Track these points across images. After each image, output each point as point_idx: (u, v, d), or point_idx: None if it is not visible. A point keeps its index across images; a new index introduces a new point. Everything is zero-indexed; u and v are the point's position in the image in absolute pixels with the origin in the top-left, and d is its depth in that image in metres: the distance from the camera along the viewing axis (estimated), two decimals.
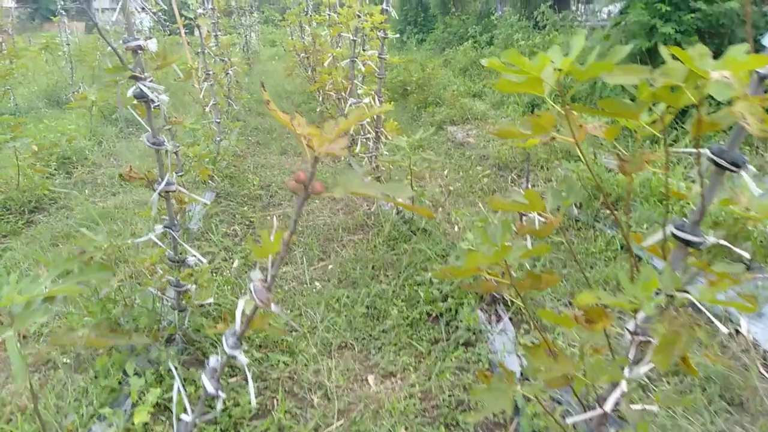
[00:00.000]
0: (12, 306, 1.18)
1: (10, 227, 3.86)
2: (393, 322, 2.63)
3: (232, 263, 3.30)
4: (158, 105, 1.71)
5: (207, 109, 4.61)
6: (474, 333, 2.47)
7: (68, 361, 2.34)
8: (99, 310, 2.23)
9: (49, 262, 3.18)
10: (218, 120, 4.61)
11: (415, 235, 3.42)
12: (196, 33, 4.68)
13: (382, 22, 3.91)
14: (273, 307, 1.06)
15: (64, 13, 8.76)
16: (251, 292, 1.07)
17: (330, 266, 3.38)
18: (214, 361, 1.18)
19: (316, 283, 3.18)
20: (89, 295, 2.39)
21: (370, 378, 2.33)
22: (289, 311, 2.83)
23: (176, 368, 2.14)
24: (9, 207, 4.11)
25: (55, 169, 4.90)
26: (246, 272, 3.23)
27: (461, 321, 2.53)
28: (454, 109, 7.27)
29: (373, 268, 3.20)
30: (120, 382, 2.08)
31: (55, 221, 3.99)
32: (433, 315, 2.67)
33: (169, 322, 2.30)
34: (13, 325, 1.14)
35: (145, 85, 1.61)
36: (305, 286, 3.13)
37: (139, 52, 1.67)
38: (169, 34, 9.95)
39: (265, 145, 6.26)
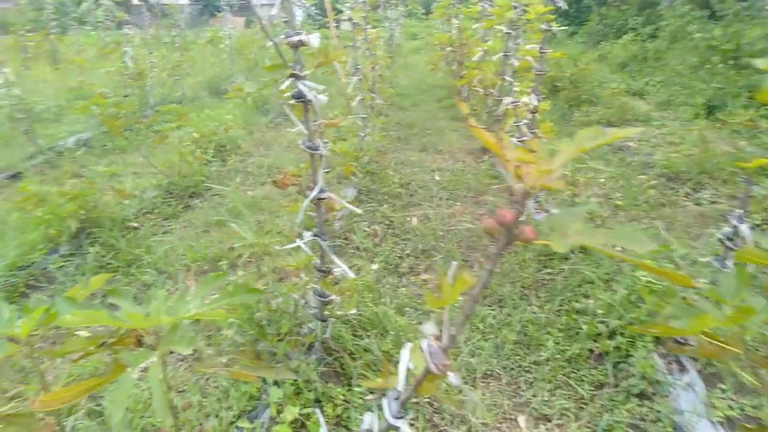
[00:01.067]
0: (158, 326, 1.09)
1: (171, 210, 4.11)
2: (548, 354, 2.30)
3: (372, 266, 3.18)
4: (315, 105, 1.57)
5: (353, 104, 4.56)
6: (650, 383, 2.07)
7: (212, 352, 2.35)
8: (244, 309, 2.19)
9: (196, 255, 3.30)
10: (364, 115, 4.54)
11: (573, 253, 3.03)
12: (343, 26, 4.65)
13: (544, 13, 3.53)
14: (451, 377, 0.84)
15: (227, 8, 9.39)
16: (424, 351, 0.85)
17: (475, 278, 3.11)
18: (369, 421, 0.98)
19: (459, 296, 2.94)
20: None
21: (521, 419, 2.04)
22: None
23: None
24: (171, 191, 4.40)
25: (212, 157, 5.19)
26: (385, 276, 3.08)
27: (633, 366, 2.13)
28: (611, 108, 6.58)
29: (522, 286, 2.88)
30: (259, 390, 2.02)
31: (209, 207, 4.18)
32: (597, 353, 2.30)
33: (310, 329, 2.20)
34: (158, 348, 1.04)
35: (304, 84, 1.48)
36: None
37: (299, 48, 1.54)
38: (318, 28, 10.29)
39: (406, 141, 6.13)
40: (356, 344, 2.37)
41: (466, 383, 2.22)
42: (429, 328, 0.87)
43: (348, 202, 1.90)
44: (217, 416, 1.92)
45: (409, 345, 0.94)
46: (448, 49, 7.24)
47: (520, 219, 0.74)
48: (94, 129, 6.06)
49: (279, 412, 1.91)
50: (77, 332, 2.09)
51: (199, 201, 4.35)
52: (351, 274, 1.82)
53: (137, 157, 5.27)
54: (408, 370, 0.92)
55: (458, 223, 3.82)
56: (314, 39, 1.47)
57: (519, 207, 0.73)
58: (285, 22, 1.77)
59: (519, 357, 2.35)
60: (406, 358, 0.92)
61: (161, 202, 4.18)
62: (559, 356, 2.29)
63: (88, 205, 3.48)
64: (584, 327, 2.37)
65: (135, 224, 3.76)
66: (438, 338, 0.86)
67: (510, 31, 4.26)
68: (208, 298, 1.20)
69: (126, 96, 7.11)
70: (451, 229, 3.74)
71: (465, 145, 5.81)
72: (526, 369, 2.29)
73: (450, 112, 7.33)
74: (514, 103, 3.60)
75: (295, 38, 1.46)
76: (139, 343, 1.20)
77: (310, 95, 1.49)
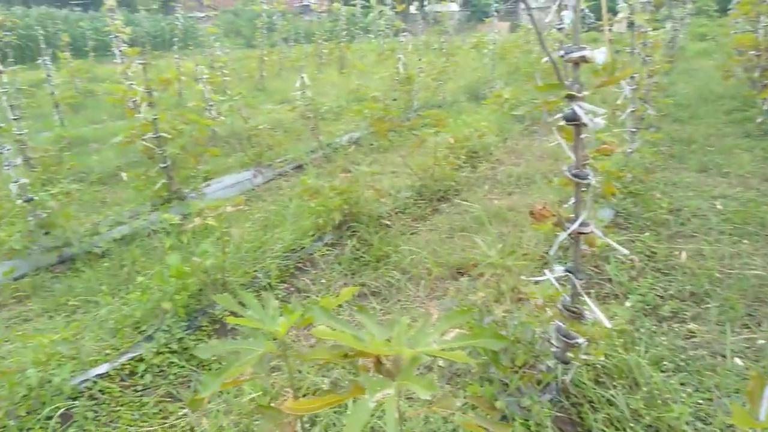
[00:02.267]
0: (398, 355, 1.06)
1: (420, 212, 4.28)
2: None
3: (625, 303, 2.79)
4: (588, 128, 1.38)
5: (622, 116, 4.10)
6: None
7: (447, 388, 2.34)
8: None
9: (438, 261, 3.34)
10: (633, 129, 4.05)
11: None
12: (616, 28, 4.19)
13: None
14: None
15: (496, 14, 9.45)
16: None
17: (761, 341, 2.50)
18: None
19: (737, 360, 2.39)
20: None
21: None
22: (693, 390, 2.18)
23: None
24: (422, 194, 4.59)
25: (464, 162, 5.26)
26: (640, 318, 2.68)
27: None
28: None
29: None
30: None
31: (455, 213, 4.23)
32: None
33: (548, 368, 2.01)
34: (396, 381, 1.01)
35: (580, 107, 1.31)
36: (720, 359, 2.38)
37: (579, 65, 1.36)
38: (586, 31, 9.64)
39: (680, 159, 5.31)
40: (599, 393, 2.10)
41: None
42: None
43: (604, 226, 1.67)
44: None
45: None
46: (751, 52, 6.03)
47: None
48: (364, 129, 6.71)
49: None
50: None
51: (447, 206, 4.44)
52: (606, 323, 1.58)
53: (396, 157, 5.66)
54: None
55: (744, 266, 3.13)
56: (599, 54, 1.28)
57: None
58: (558, 29, 1.61)
59: None
60: None
61: (412, 204, 4.39)
62: None
63: (351, 200, 3.83)
64: None
65: (388, 222, 4.01)
66: None
67: None
68: (450, 332, 1.13)
69: (394, 100, 7.72)
70: (732, 272, 3.08)
71: (761, 169, 4.77)
72: None
73: (742, 127, 6.12)
74: None
75: (577, 54, 1.30)
76: (379, 362, 1.20)
77: (585, 119, 1.31)
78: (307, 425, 2.13)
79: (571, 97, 1.32)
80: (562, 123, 1.42)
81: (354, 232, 3.77)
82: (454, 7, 19.63)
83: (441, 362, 2.38)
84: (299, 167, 5.65)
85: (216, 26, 11.30)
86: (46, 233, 3.49)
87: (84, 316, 2.97)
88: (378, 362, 1.16)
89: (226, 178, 5.07)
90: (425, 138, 4.76)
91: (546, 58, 1.33)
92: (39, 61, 7.34)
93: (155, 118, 4.02)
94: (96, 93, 10.25)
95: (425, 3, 13.49)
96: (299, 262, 3.40)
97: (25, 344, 2.56)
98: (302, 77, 6.08)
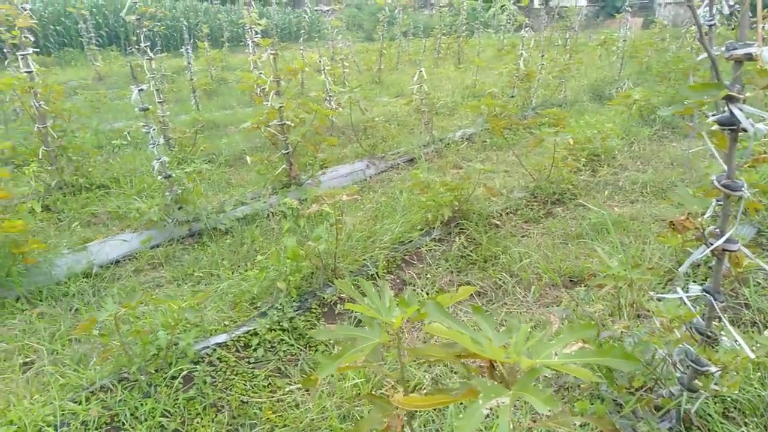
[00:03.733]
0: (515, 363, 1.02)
1: (533, 214, 4.12)
2: None
3: (764, 333, 2.49)
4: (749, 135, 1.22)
5: None
6: None
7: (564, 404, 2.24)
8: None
9: (550, 267, 3.19)
10: None
11: None
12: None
13: None
14: None
15: (629, 9, 8.82)
16: None
17: None
18: None
19: None
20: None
21: None
22: None
23: None
24: (536, 195, 4.41)
25: (583, 165, 4.99)
26: None
27: None
28: None
29: None
30: None
31: (571, 218, 4.02)
32: None
33: (670, 393, 1.85)
34: (512, 390, 0.97)
35: (740, 109, 1.17)
36: None
37: (743, 63, 1.21)
38: (732, 29, 8.67)
39: None
40: (726, 429, 1.89)
41: None
42: None
43: (744, 246, 1.47)
44: None
45: None
46: None
47: None
48: (479, 126, 6.59)
49: None
50: None
51: (562, 210, 4.23)
52: (750, 353, 1.40)
53: (510, 156, 5.50)
54: None
55: None
56: (767, 52, 1.13)
57: None
58: (710, 25, 1.45)
59: None
60: None
61: (525, 205, 4.24)
62: None
63: (461, 197, 3.78)
64: None
65: (497, 222, 3.91)
66: None
67: None
68: (571, 346, 1.07)
69: (512, 96, 7.50)
70: None
71: None
72: None
73: None
74: None
75: (741, 51, 1.15)
76: (492, 366, 1.16)
77: (746, 123, 1.16)
78: (405, 418, 2.14)
79: (730, 99, 1.18)
80: (715, 127, 1.28)
81: (462, 229, 3.71)
82: (582, 1, 18.66)
83: (548, 372, 2.28)
84: (411, 161, 5.68)
85: (339, 19, 11.66)
86: (180, 208, 3.81)
87: (207, 287, 3.21)
88: (492, 367, 1.12)
89: (341, 168, 5.22)
90: (543, 137, 4.57)
91: (703, 55, 1.20)
92: (182, 50, 8.01)
93: (281, 107, 4.23)
94: (227, 81, 11.02)
95: None
96: (406, 255, 3.42)
97: (157, 308, 2.82)
98: (420, 71, 6.10)
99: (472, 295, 3.00)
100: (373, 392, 2.20)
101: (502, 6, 13.45)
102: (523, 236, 3.76)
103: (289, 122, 4.43)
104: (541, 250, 3.47)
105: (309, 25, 12.05)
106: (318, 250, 2.94)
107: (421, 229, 3.70)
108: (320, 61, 6.43)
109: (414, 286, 3.12)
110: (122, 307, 2.17)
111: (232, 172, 5.52)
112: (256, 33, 6.44)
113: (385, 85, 10.65)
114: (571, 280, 3.12)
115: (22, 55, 4.28)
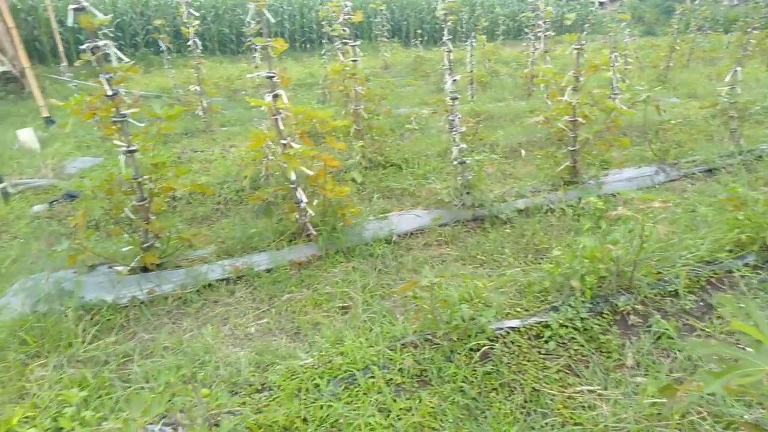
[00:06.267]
0: None
1: None
2: None
3: None
4: None
5: None
6: None
7: None
8: None
9: None
10: None
11: None
12: None
13: None
14: None
15: None
16: None
17: None
18: None
19: None
20: None
21: None
22: None
23: None
24: None
25: None
26: None
27: None
28: None
29: None
30: None
31: None
32: None
33: None
34: None
35: None
36: None
37: None
38: None
39: None
40: None
41: None
42: None
43: None
44: None
45: None
46: None
47: None
48: None
49: None
50: None
51: None
52: None
53: None
54: None
55: None
56: None
57: None
58: None
59: None
60: None
61: None
62: None
63: None
64: None
65: None
66: None
67: None
68: None
69: None
70: None
71: None
72: None
73: None
74: None
75: None
76: None
77: None
78: None
79: None
80: None
81: None
82: None
83: None
84: (709, 171, 5.03)
85: (623, 12, 10.84)
86: (467, 193, 4.04)
87: (490, 271, 3.37)
88: None
89: (625, 171, 4.90)
90: None
91: None
92: (458, 42, 8.40)
93: (577, 103, 4.14)
94: (499, 73, 11.22)
95: None
96: (712, 276, 3.06)
97: (449, 282, 3.06)
98: (735, 71, 5.32)
99: None
100: (683, 419, 2.04)
101: None
102: None
103: (581, 119, 4.31)
104: None
105: (593, 18, 11.45)
106: (613, 255, 2.82)
107: (731, 251, 3.26)
108: (611, 57, 6.08)
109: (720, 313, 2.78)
110: (437, 277, 2.41)
111: (507, 163, 5.63)
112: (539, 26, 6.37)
113: (672, 85, 9.60)
114: None
115: (352, 45, 5.00)
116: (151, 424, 1.93)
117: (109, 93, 2.83)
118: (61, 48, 9.75)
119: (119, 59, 2.80)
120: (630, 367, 2.41)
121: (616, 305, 2.76)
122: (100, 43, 2.73)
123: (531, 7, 8.90)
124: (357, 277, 3.29)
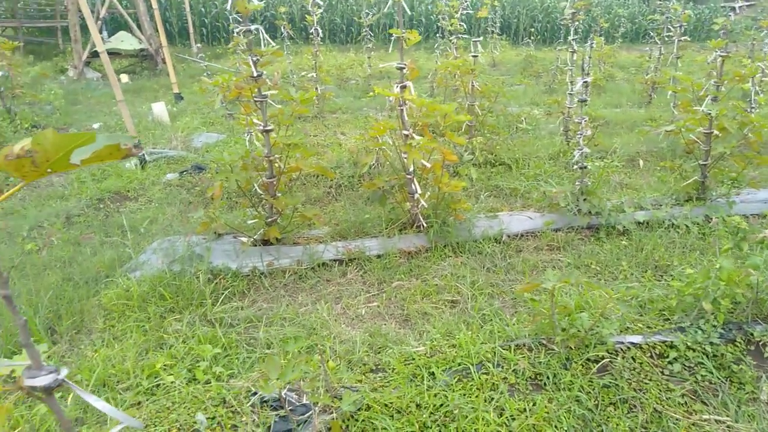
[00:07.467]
0: None
1: None
2: None
3: None
4: None
5: None
6: None
7: None
8: None
9: None
10: None
11: None
12: None
13: None
14: None
15: None
16: None
17: None
18: None
19: None
20: None
21: None
22: None
23: None
24: None
25: None
26: None
27: None
28: None
29: None
30: None
31: None
32: None
33: None
34: None
35: None
36: None
37: None
38: None
39: None
40: None
41: None
42: None
43: None
44: None
45: None
46: None
47: None
48: None
49: None
50: None
51: None
52: None
53: None
54: None
55: None
56: None
57: None
58: None
59: None
60: None
61: None
62: None
63: None
64: None
65: None
66: None
67: None
68: None
69: None
70: None
71: None
72: None
73: None
74: None
75: None
76: None
77: None
78: None
79: None
80: None
81: None
82: None
83: None
84: None
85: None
86: (585, 199, 3.90)
87: (605, 283, 3.24)
88: None
89: (761, 192, 4.51)
90: None
91: None
92: (585, 43, 8.07)
93: (716, 114, 3.86)
94: (615, 78, 10.68)
95: None
96: None
97: (567, 289, 2.98)
98: None
99: None
100: None
101: None
102: None
103: (717, 131, 4.02)
104: None
105: (730, 24, 10.53)
106: (752, 281, 2.62)
107: None
108: (760, 66, 5.60)
109: None
110: (561, 282, 2.36)
111: (625, 172, 5.36)
112: (669, 29, 5.97)
113: None
114: None
115: (474, 41, 4.97)
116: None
117: (255, 74, 3.02)
118: (192, 30, 10.47)
119: (267, 43, 2.97)
120: (766, 403, 2.24)
121: (751, 334, 2.56)
122: (252, 27, 2.91)
123: (660, 8, 8.36)
124: (466, 273, 3.30)
